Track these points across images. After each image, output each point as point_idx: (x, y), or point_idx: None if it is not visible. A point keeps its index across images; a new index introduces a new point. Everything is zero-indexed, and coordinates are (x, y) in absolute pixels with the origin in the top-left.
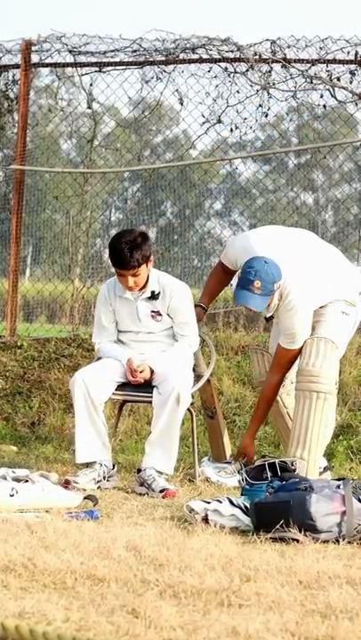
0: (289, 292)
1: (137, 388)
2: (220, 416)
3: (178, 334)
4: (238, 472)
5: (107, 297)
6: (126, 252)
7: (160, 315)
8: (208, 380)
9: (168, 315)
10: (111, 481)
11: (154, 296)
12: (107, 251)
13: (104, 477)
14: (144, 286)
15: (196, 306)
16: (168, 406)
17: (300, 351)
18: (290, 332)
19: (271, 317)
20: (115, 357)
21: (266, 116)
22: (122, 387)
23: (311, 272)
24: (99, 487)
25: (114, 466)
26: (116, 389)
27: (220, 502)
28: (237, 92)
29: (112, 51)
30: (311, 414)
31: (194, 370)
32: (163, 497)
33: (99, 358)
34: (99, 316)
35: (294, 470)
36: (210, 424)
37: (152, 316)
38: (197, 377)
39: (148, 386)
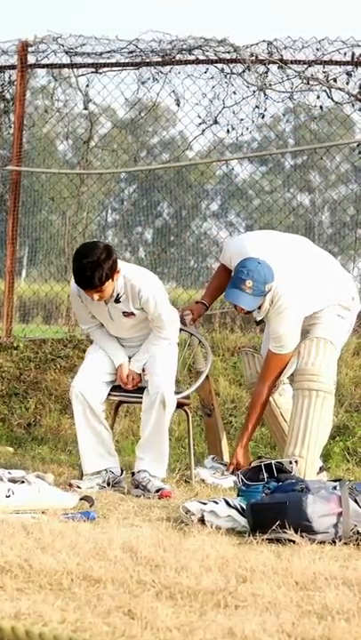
0: (281, 296)
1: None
2: (217, 414)
3: (154, 327)
4: (233, 473)
5: (77, 295)
6: (88, 274)
7: (133, 314)
8: (207, 377)
9: (142, 309)
10: (118, 487)
11: (119, 299)
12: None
13: (109, 484)
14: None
15: (197, 302)
16: (154, 409)
17: (288, 360)
18: (278, 335)
19: (262, 321)
20: (107, 352)
21: (262, 117)
22: (118, 388)
23: (305, 277)
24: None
25: (122, 472)
26: (112, 390)
27: (217, 503)
28: (234, 92)
29: (108, 52)
30: (310, 412)
31: (191, 367)
32: (159, 497)
33: (92, 341)
34: (77, 311)
35: (291, 471)
36: (207, 423)
37: (125, 315)
38: (196, 373)
39: (145, 386)
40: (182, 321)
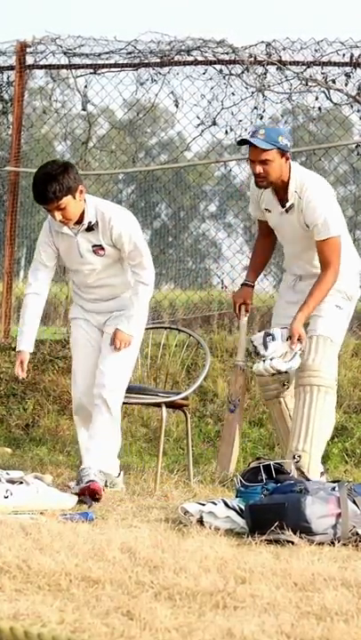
0: (307, 188)
1: (132, 389)
2: (240, 413)
3: (131, 268)
4: (234, 477)
5: (49, 233)
6: (41, 186)
7: (102, 249)
8: (242, 370)
9: (114, 246)
10: (115, 488)
11: (90, 227)
12: None
13: (106, 484)
14: (81, 219)
15: (243, 285)
16: (97, 410)
17: (340, 243)
18: (320, 221)
19: (290, 208)
20: (21, 330)
21: (261, 118)
22: None
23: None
24: None
25: (120, 473)
26: None
27: (215, 504)
28: (232, 94)
29: (107, 52)
30: (312, 408)
31: (190, 368)
32: (89, 492)
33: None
34: (38, 252)
35: (289, 472)
36: (227, 419)
37: (94, 252)
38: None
39: (143, 388)
40: (237, 314)
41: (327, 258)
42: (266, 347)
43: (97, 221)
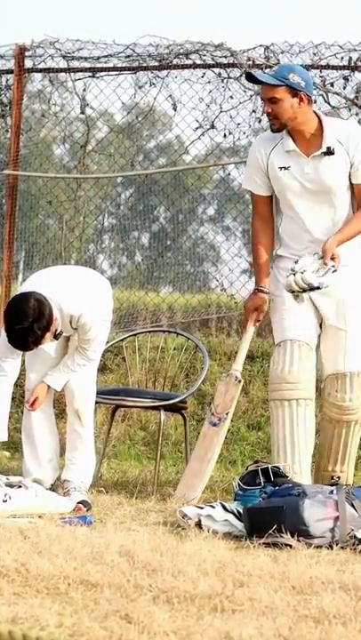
0: (352, 128)
1: (130, 392)
2: (223, 429)
3: (81, 346)
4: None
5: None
6: (22, 341)
7: (61, 334)
8: (238, 381)
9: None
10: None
11: (57, 336)
12: (100, 256)
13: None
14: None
15: (255, 291)
16: (70, 419)
17: None
18: None
19: (329, 152)
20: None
21: (259, 121)
22: (115, 392)
23: None
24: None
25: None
26: (109, 395)
27: (214, 507)
28: (231, 97)
29: (105, 56)
30: (349, 438)
31: (189, 371)
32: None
33: None
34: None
35: (287, 476)
36: (206, 433)
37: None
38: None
39: (142, 391)
40: (245, 322)
41: None
42: (296, 262)
43: (64, 325)
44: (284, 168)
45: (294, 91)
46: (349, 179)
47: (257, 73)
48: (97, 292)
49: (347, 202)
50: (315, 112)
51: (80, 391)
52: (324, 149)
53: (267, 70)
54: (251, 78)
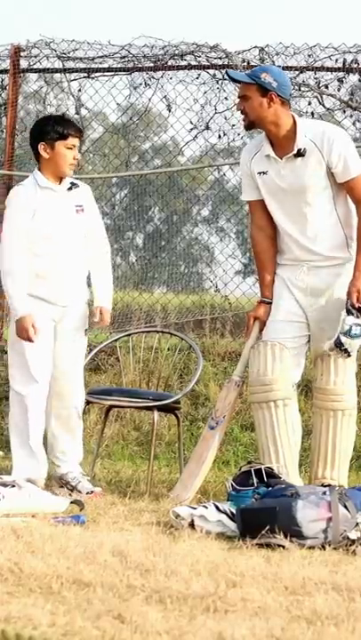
0: (326, 129)
1: (124, 393)
2: (221, 432)
3: (98, 238)
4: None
5: (25, 194)
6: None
7: (82, 209)
8: (237, 386)
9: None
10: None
11: (71, 188)
12: None
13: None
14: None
15: (260, 303)
16: (70, 420)
17: None
18: (351, 158)
19: (300, 154)
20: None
21: None
22: (109, 392)
23: None
24: None
25: None
26: (103, 395)
27: (207, 508)
28: (225, 98)
29: (100, 57)
30: (338, 432)
31: (183, 372)
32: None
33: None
34: (18, 212)
35: (280, 477)
36: (204, 437)
37: (77, 212)
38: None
39: (135, 392)
40: (248, 329)
41: None
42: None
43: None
44: (263, 173)
45: (265, 90)
46: (331, 179)
47: (233, 71)
48: None
49: (326, 202)
50: (292, 115)
51: (81, 390)
52: (295, 151)
53: (247, 71)
54: (229, 76)
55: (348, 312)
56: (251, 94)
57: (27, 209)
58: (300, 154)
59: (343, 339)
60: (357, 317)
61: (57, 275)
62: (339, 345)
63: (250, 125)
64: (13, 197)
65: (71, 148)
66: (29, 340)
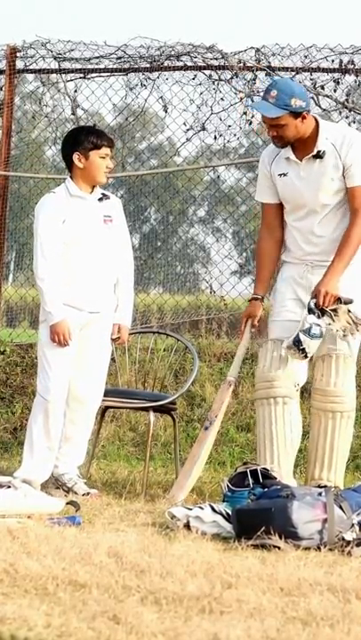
0: (347, 133)
1: (120, 393)
2: (214, 431)
3: (124, 250)
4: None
5: (56, 202)
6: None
7: (111, 219)
8: (230, 385)
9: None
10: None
11: (101, 199)
12: None
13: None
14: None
15: (251, 300)
16: (89, 419)
17: None
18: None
19: (319, 155)
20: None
21: (250, 123)
22: (104, 393)
23: None
24: None
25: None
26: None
27: (202, 509)
28: (222, 99)
29: (97, 57)
30: (336, 435)
31: (178, 372)
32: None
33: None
34: (51, 220)
35: (276, 477)
36: (200, 437)
37: (105, 222)
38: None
39: (131, 392)
40: (241, 330)
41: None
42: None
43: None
44: (284, 174)
45: (297, 113)
46: (343, 182)
47: (258, 104)
48: None
49: (339, 204)
50: (314, 117)
51: (100, 398)
52: (314, 152)
53: (266, 97)
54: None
55: (310, 311)
56: (285, 122)
57: (57, 216)
58: (318, 155)
59: (302, 337)
60: (319, 318)
61: (84, 281)
62: (297, 343)
63: (285, 145)
64: (44, 206)
65: (104, 157)
66: (65, 343)
